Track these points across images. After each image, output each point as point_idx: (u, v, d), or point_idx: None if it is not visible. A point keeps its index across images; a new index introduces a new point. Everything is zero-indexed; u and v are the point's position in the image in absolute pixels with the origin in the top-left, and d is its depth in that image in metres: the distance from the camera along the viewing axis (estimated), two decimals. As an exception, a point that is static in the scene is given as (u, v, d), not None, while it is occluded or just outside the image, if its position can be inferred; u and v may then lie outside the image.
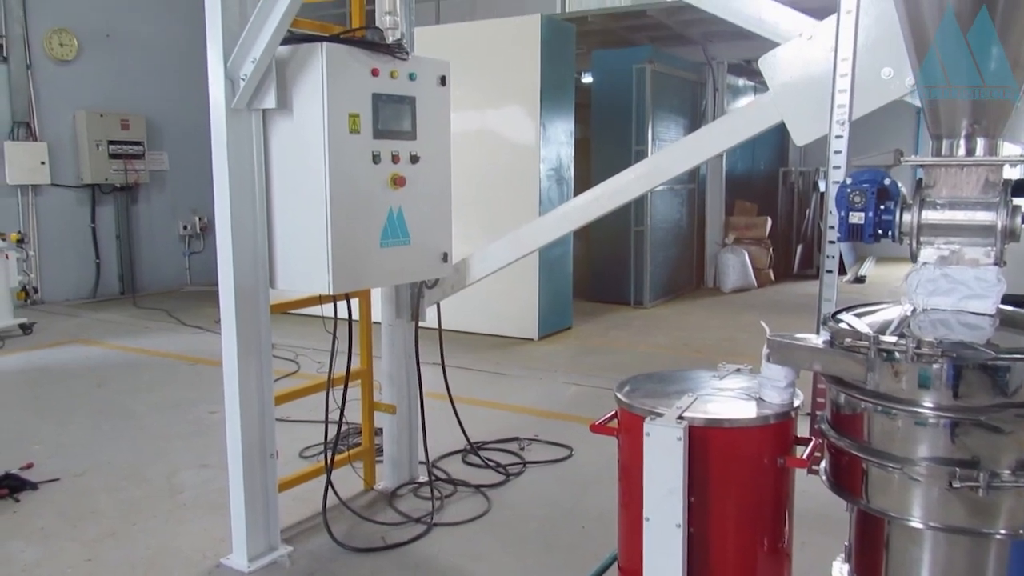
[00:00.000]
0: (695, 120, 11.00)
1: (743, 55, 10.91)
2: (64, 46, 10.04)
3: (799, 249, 12.68)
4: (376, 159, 3.24)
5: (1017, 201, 2.26)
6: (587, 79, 10.71)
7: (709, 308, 9.91)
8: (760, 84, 11.08)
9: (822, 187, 11.90)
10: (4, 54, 9.53)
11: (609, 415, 2.55)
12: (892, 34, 2.51)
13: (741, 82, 12.17)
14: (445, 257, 3.65)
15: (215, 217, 3.22)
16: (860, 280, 11.49)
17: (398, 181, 3.33)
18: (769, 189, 12.88)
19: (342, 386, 3.70)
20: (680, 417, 2.23)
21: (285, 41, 3.04)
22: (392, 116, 3.30)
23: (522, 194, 7.77)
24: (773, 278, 11.70)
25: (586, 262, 10.03)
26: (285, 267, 3.27)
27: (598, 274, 10.14)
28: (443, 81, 3.55)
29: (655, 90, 9.62)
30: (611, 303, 9.81)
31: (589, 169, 9.77)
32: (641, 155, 9.50)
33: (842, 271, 11.10)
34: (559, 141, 8.06)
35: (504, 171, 7.83)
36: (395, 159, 3.33)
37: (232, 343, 3.19)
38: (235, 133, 3.10)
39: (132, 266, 10.85)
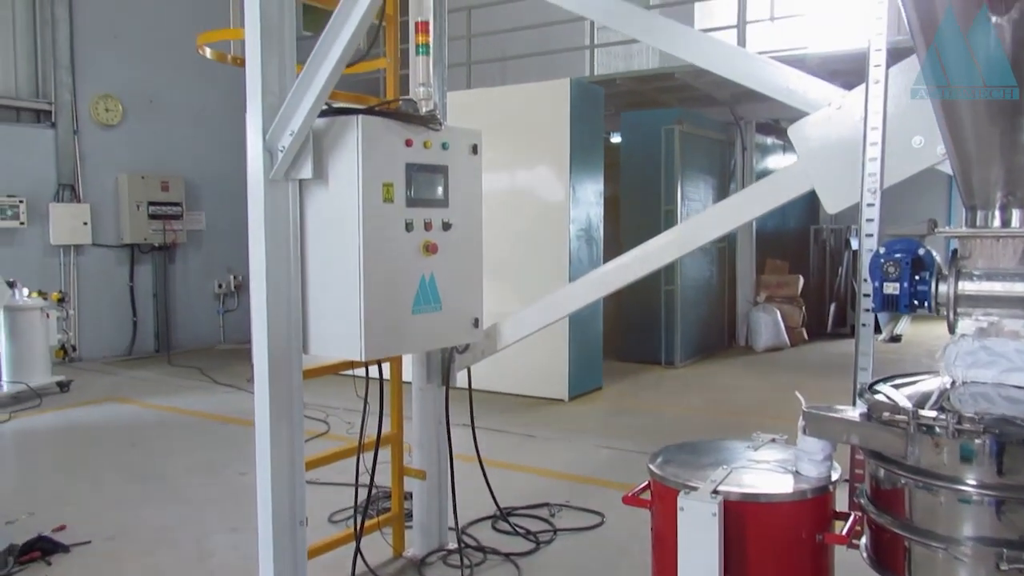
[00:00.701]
0: (724, 179, 11.05)
1: (771, 115, 10.98)
2: (109, 111, 10.40)
3: (832, 307, 12.53)
4: (409, 227, 3.29)
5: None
6: (616, 139, 10.83)
7: (742, 368, 9.79)
8: (789, 143, 11.14)
9: (854, 245, 11.81)
10: (53, 120, 9.90)
11: (642, 486, 2.52)
12: (921, 103, 2.52)
13: (770, 141, 12.22)
14: (476, 323, 3.67)
15: (251, 284, 3.27)
16: (896, 339, 11.30)
17: (430, 248, 3.37)
18: (800, 247, 12.80)
19: (372, 450, 3.69)
20: (715, 491, 2.20)
21: (322, 113, 3.13)
22: (425, 185, 3.36)
23: (552, 254, 7.81)
24: (806, 337, 11.55)
25: (616, 321, 10.00)
26: (318, 333, 3.30)
27: (629, 333, 10.09)
28: (475, 150, 3.62)
29: (684, 150, 9.69)
30: (642, 362, 9.73)
31: (619, 228, 9.81)
32: (671, 215, 9.53)
33: (877, 330, 10.94)
34: (589, 202, 8.12)
35: (534, 231, 7.89)
36: (427, 226, 3.38)
37: (264, 409, 3.21)
38: (272, 203, 3.17)
39: (167, 324, 11.02)
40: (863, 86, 2.75)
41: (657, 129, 9.62)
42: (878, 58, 2.70)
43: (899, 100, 2.70)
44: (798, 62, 8.78)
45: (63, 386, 8.19)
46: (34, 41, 9.87)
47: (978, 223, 2.20)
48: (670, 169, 9.61)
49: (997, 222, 2.16)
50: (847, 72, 8.85)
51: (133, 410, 7.59)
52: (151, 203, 10.55)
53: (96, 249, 10.26)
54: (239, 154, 3.26)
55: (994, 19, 1.97)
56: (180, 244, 11.09)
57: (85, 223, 10.01)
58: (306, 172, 3.15)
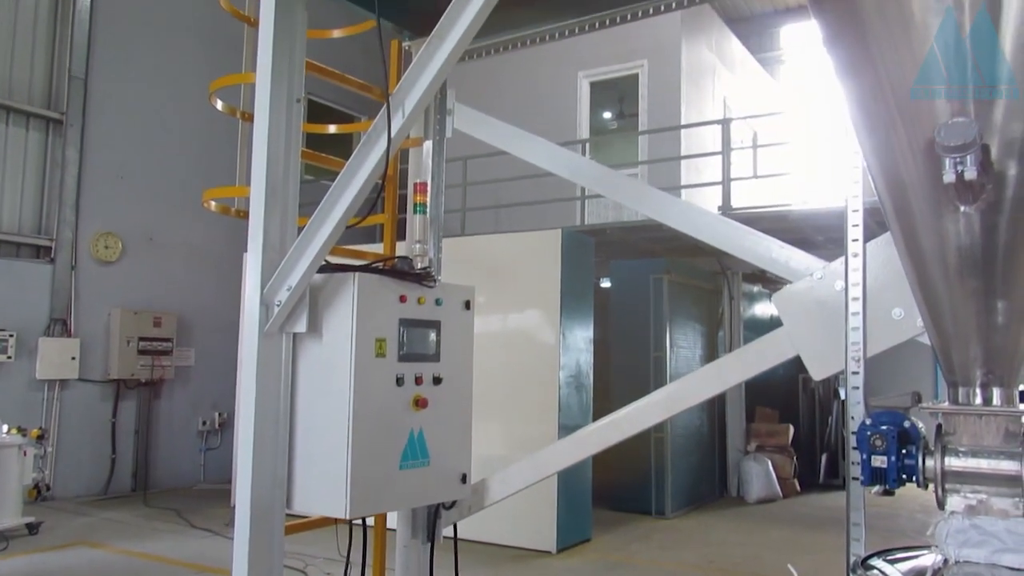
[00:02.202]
0: (712, 327, 11.19)
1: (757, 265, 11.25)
2: (109, 248, 10.60)
3: (824, 458, 12.38)
4: (400, 381, 3.31)
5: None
6: (606, 283, 11.05)
7: (734, 521, 9.55)
8: (774, 290, 11.38)
9: (843, 395, 11.84)
10: (52, 256, 10.06)
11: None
12: (900, 276, 2.61)
13: (756, 289, 12.48)
14: (464, 478, 3.62)
15: (238, 436, 3.26)
16: (889, 492, 11.09)
17: (420, 403, 3.37)
18: (790, 395, 12.80)
19: (352, 612, 3.54)
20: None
21: (320, 269, 3.21)
22: (417, 340, 3.41)
23: (542, 399, 7.79)
24: (799, 488, 11.35)
25: (606, 468, 9.82)
26: (303, 488, 3.25)
27: (618, 481, 9.90)
28: (468, 305, 3.69)
29: (672, 299, 9.87)
30: (632, 512, 9.50)
31: (609, 371, 9.83)
32: (659, 361, 9.59)
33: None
34: (579, 348, 8.19)
35: (524, 376, 7.91)
36: (418, 381, 3.39)
37: (243, 568, 3.11)
38: (265, 356, 3.20)
39: (147, 462, 10.77)
40: (843, 258, 2.86)
41: (646, 278, 9.84)
42: (856, 232, 2.83)
43: (878, 273, 2.80)
44: (781, 218, 9.17)
45: (32, 528, 7.90)
46: (42, 181, 10.19)
47: (960, 399, 2.24)
48: (659, 317, 9.75)
49: (979, 399, 2.21)
50: (830, 228, 9.18)
51: (103, 556, 7.28)
52: (142, 338, 10.56)
53: (81, 384, 10.17)
54: (233, 291, 3.34)
55: (962, 208, 2.08)
56: (167, 380, 11.01)
57: (73, 358, 9.98)
58: (301, 326, 3.20)
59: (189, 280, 11.33)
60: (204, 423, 11.47)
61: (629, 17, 3.38)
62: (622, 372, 9.72)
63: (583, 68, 11.84)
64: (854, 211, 2.82)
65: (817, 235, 9.44)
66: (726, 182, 9.44)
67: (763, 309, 12.40)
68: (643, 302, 9.81)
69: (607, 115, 14.52)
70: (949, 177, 1.96)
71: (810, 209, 9.01)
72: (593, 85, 12.17)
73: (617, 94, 13.33)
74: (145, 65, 10.97)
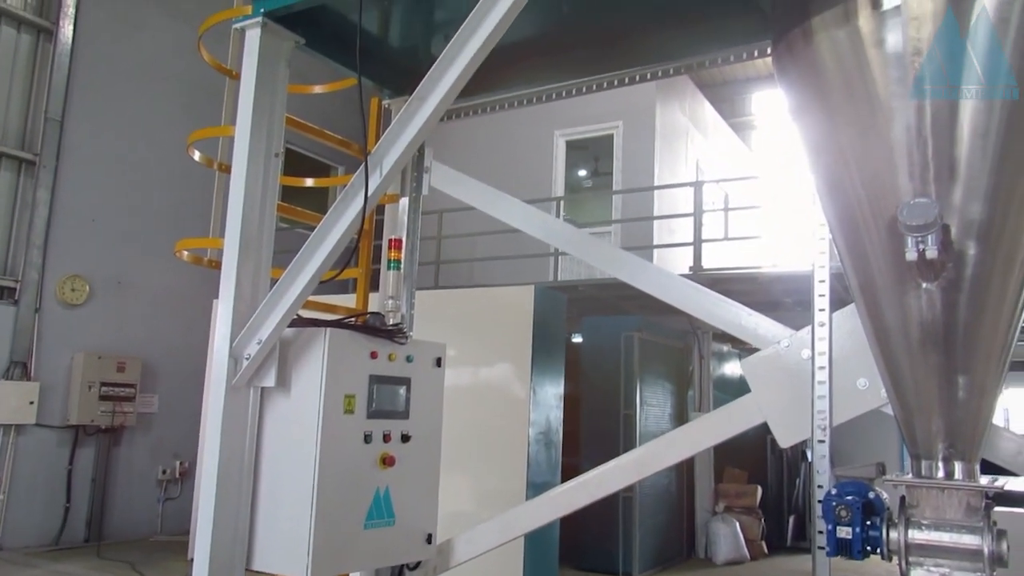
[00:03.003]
0: (682, 386, 11.22)
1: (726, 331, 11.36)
2: (76, 291, 10.44)
3: (791, 520, 12.36)
4: (368, 439, 3.27)
5: (1001, 510, 2.28)
6: (577, 339, 11.07)
7: (701, 582, 9.46)
8: (744, 350, 11.47)
9: (810, 456, 11.86)
10: (16, 298, 9.88)
11: None
12: (865, 347, 2.66)
13: (726, 348, 12.57)
14: (429, 538, 3.57)
15: (199, 491, 3.19)
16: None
17: (387, 461, 3.34)
18: (758, 455, 12.81)
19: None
20: None
21: (291, 324, 3.20)
22: (387, 397, 3.39)
23: (510, 455, 7.72)
24: (766, 550, 11.29)
25: (573, 526, 9.72)
26: (264, 546, 3.18)
27: (585, 541, 9.78)
28: (438, 362, 3.68)
29: (643, 357, 9.91)
30: (599, 571, 9.36)
31: (579, 427, 9.79)
32: (629, 419, 9.58)
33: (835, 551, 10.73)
34: (549, 404, 8.16)
35: (494, 431, 7.85)
36: (386, 438, 3.36)
37: (198, 629, 3.02)
38: (231, 410, 3.16)
39: (103, 511, 10.45)
40: (809, 327, 2.91)
41: (618, 335, 9.88)
42: (822, 302, 2.88)
43: (843, 342, 2.85)
44: (751, 280, 9.31)
45: (-22, 579, 7.60)
46: (11, 222, 10.06)
47: (923, 472, 2.27)
48: (629, 374, 9.77)
49: (941, 473, 2.24)
50: (799, 291, 9.33)
51: (52, 610, 7.01)
52: (104, 383, 10.34)
53: (38, 429, 9.89)
54: (201, 337, 3.31)
55: (924, 286, 2.14)
56: (128, 427, 10.76)
57: (32, 402, 9.72)
58: (269, 381, 3.17)
59: (156, 325, 11.17)
60: (164, 472, 11.19)
61: (605, 85, 3.46)
62: (592, 429, 9.68)
63: (560, 127, 12.06)
64: (820, 281, 2.88)
65: (786, 297, 9.57)
66: (697, 243, 9.59)
67: (732, 368, 12.48)
68: (614, 359, 9.84)
69: (582, 173, 14.76)
70: (911, 255, 2.02)
71: (779, 272, 9.16)
72: (569, 143, 12.38)
73: (592, 153, 13.58)
74: (123, 109, 10.98)
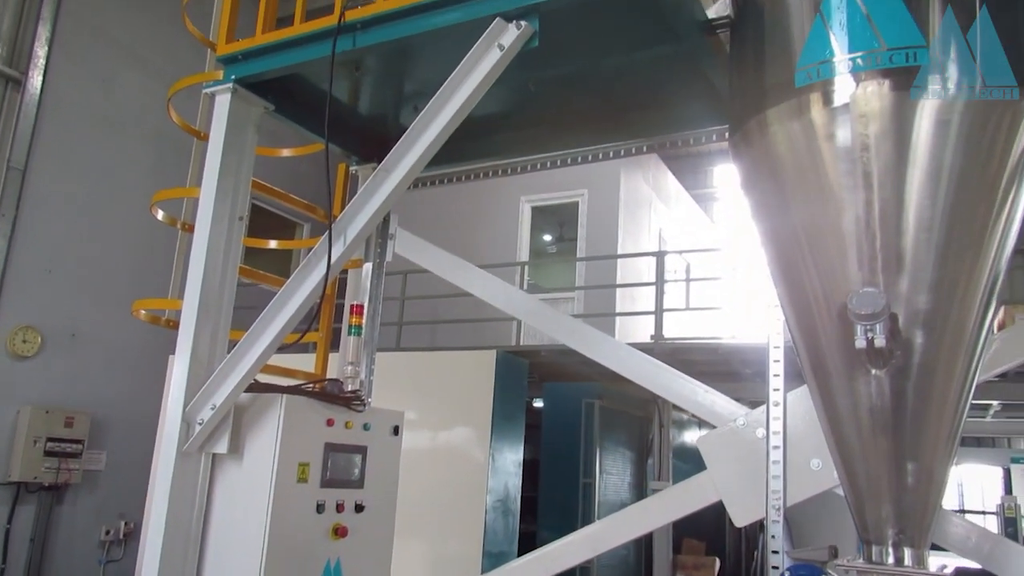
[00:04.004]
0: (642, 454, 11.19)
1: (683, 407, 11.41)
2: (27, 343, 10.17)
3: (750, 593, 12.26)
4: (320, 508, 3.21)
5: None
6: (539, 403, 11.03)
7: (658, 657, 9.27)
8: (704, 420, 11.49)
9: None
10: (-37, 347, 9.61)
11: None
12: (819, 428, 2.69)
13: (686, 417, 12.61)
14: (380, 614, 3.48)
15: (143, 559, 3.08)
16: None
17: (340, 531, 3.26)
18: (717, 526, 12.74)
19: None
20: None
21: (247, 388, 3.15)
22: (342, 465, 3.33)
23: (467, 522, 7.59)
24: (724, 624, 11.15)
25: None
26: (207, 620, 3.07)
27: (541, 612, 9.58)
28: (396, 431, 3.65)
29: (603, 424, 9.89)
30: (554, 646, 9.15)
31: (537, 494, 9.67)
32: (588, 488, 9.50)
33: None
34: (507, 472, 8.08)
35: (450, 497, 7.73)
36: (339, 508, 3.30)
37: None
38: (181, 476, 3.08)
39: (40, 573, 10.00)
40: (764, 406, 2.95)
41: (578, 402, 9.86)
42: (776, 382, 2.93)
43: (798, 423, 2.88)
44: (711, 351, 9.41)
45: (-99, 646, 7.18)
46: (-36, 271, 9.85)
47: (874, 558, 2.28)
48: (589, 442, 9.73)
49: (891, 559, 2.26)
50: (757, 363, 9.43)
51: None
52: (50, 439, 10.00)
53: (-23, 485, 9.52)
54: (154, 393, 3.24)
55: (874, 372, 2.20)
56: (73, 484, 10.38)
57: (-28, 457, 9.38)
58: (221, 447, 3.11)
59: (108, 379, 10.90)
60: (108, 532, 10.77)
61: (569, 161, 3.55)
62: (551, 496, 9.57)
63: (526, 193, 12.22)
64: (775, 361, 2.93)
65: (745, 368, 9.67)
66: (659, 312, 9.69)
67: (693, 437, 12.49)
68: (575, 426, 9.80)
69: (547, 238, 14.92)
70: (860, 343, 2.07)
71: (738, 344, 9.27)
72: (535, 209, 12.54)
73: (558, 219, 13.75)
74: (88, 162, 10.89)
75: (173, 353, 3.30)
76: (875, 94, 2.19)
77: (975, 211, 2.24)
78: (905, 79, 2.18)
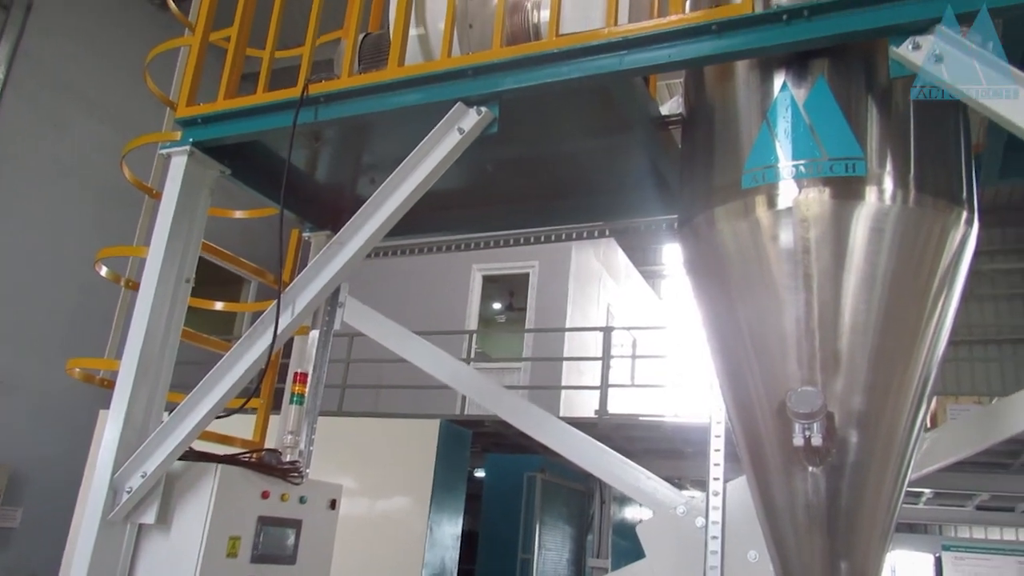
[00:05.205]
0: (582, 530, 11.08)
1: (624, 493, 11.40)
2: (-52, 389, 9.74)
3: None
4: (249, 585, 3.10)
5: None
6: (480, 473, 10.88)
7: None
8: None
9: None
10: None
11: None
12: (756, 520, 2.72)
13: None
14: None
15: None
16: None
17: (268, 610, 3.15)
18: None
19: None
20: None
21: (180, 456, 3.06)
22: (274, 540, 3.23)
23: (401, 599, 7.38)
24: None
25: None
26: None
27: None
28: (333, 505, 3.56)
29: (544, 498, 9.79)
30: None
31: (475, 567, 9.46)
32: (527, 564, 9.33)
33: None
34: (445, 545, 7.92)
35: (386, 570, 7.51)
36: (269, 585, 3.19)
37: None
38: (103, 546, 2.94)
39: (-62, 638, 9.38)
40: (704, 495, 2.97)
41: (520, 475, 9.77)
42: (717, 471, 2.96)
43: (737, 513, 2.91)
44: (655, 427, 9.46)
45: None
46: None
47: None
48: (530, 516, 9.61)
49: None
50: (700, 442, 9.51)
51: None
52: (-37, 493, 9.52)
53: None
54: (79, 448, 3.09)
55: (810, 469, 2.24)
56: (-17, 542, 9.85)
57: None
58: (149, 517, 3.00)
59: (32, 431, 10.44)
60: (17, 595, 10.18)
61: (522, 241, 3.60)
62: (488, 571, 9.38)
63: (478, 262, 12.28)
64: (716, 451, 2.97)
65: (687, 447, 9.73)
66: (604, 387, 9.73)
67: (633, 514, 12.43)
68: (515, 499, 9.68)
69: (497, 306, 14.96)
70: (798, 441, 2.11)
71: (681, 422, 9.34)
72: (486, 278, 12.60)
73: (508, 287, 13.83)
74: (34, 207, 10.66)
75: (106, 408, 3.19)
76: (816, 200, 2.29)
77: (907, 315, 2.33)
78: (844, 188, 2.29)
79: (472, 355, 11.04)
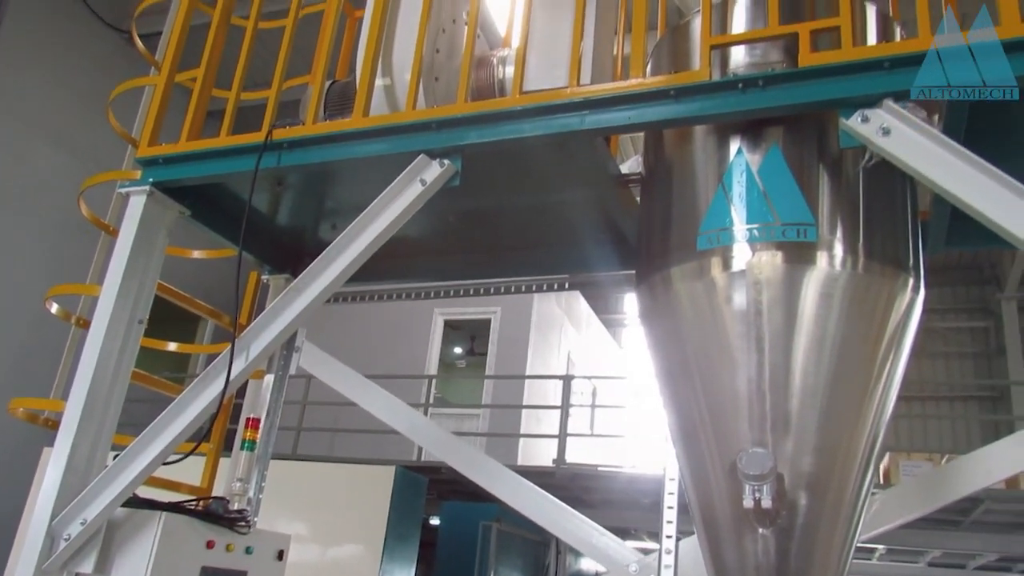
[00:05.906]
0: (537, 580, 10.93)
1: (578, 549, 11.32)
2: None
3: None
4: (188, 640, 2.99)
5: None
6: (435, 520, 10.71)
7: None
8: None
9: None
10: None
11: None
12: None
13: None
14: None
15: None
16: None
17: (206, 666, 3.04)
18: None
19: None
20: None
21: (124, 503, 2.97)
22: (218, 592, 3.14)
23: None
24: None
25: None
26: None
27: None
28: (281, 556, 3.47)
29: (500, 548, 9.65)
30: None
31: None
32: (480, 616, 9.17)
33: None
34: (396, 595, 7.75)
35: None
36: (209, 639, 3.08)
37: None
38: (37, 597, 2.84)
39: None
40: (656, 552, 2.96)
41: (475, 523, 9.63)
42: (670, 529, 2.96)
43: (688, 572, 2.90)
44: (612, 478, 9.43)
45: None
46: None
47: None
48: (484, 566, 9.45)
49: None
50: (656, 493, 9.49)
51: None
52: None
53: None
54: (20, 488, 2.97)
55: (760, 531, 2.25)
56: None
57: None
58: (87, 567, 2.89)
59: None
60: (-57, 642, 9.68)
61: (483, 291, 3.61)
62: (441, 624, 9.20)
63: (440, 306, 12.26)
64: (669, 508, 2.97)
65: (644, 498, 9.70)
66: (562, 437, 9.70)
67: (588, 565, 12.31)
68: (470, 548, 9.52)
69: (458, 350, 14.91)
70: (748, 502, 2.13)
71: (637, 473, 9.33)
72: (448, 322, 12.56)
73: (469, 332, 13.80)
74: (-15, 236, 10.44)
75: (50, 445, 3.09)
76: (768, 264, 2.34)
77: (856, 378, 2.38)
78: (795, 252, 2.35)
79: (431, 400, 10.94)
